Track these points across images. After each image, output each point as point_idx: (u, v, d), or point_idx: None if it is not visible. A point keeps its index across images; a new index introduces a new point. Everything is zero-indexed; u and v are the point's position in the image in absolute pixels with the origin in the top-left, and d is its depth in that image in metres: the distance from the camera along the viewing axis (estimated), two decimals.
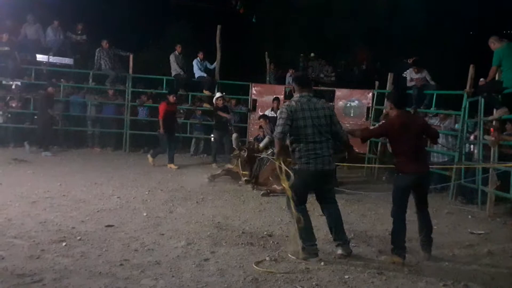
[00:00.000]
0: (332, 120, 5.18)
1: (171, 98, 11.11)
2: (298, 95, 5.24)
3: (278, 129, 5.08)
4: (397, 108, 5.27)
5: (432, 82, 10.42)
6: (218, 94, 12.07)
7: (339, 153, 7.51)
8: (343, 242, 5.19)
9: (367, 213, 7.46)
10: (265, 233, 5.98)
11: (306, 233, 5.10)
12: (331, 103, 12.79)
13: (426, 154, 6.05)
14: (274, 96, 12.50)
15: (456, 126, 9.50)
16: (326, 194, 5.31)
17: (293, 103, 5.15)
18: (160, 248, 5.23)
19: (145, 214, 6.64)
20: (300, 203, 5.16)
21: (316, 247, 5.14)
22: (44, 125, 11.75)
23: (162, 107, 11.07)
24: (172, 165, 10.81)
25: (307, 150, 5.05)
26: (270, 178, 8.68)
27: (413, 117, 5.93)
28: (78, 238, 5.42)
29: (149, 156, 11.11)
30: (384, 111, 11.65)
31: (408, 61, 11.19)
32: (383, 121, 6.43)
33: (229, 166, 9.78)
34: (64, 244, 5.18)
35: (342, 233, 5.23)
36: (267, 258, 4.99)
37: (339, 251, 5.17)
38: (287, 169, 5.15)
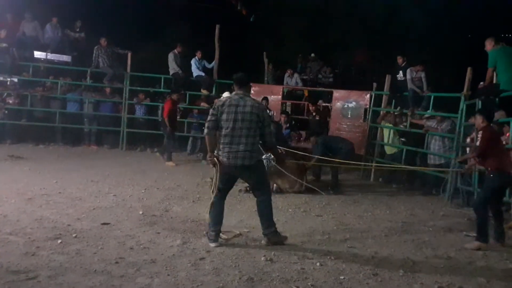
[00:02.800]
0: (260, 120, 5.36)
1: (175, 97, 11.48)
2: (234, 92, 5.57)
3: (206, 124, 5.44)
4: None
5: (424, 84, 10.41)
6: (226, 94, 11.87)
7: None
8: (270, 233, 5.50)
9: (364, 215, 7.47)
10: (260, 233, 5.96)
11: (214, 219, 5.45)
12: (328, 104, 12.85)
13: None
14: (263, 96, 12.29)
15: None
16: (254, 186, 5.65)
17: (224, 98, 5.53)
18: (155, 247, 5.22)
19: (141, 212, 6.64)
20: (220, 194, 5.53)
21: (217, 234, 5.44)
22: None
23: (167, 105, 11.35)
24: (172, 162, 11.07)
25: (226, 144, 5.34)
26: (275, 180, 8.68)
27: None
28: (74, 235, 5.42)
29: (166, 163, 11.13)
30: (381, 112, 11.72)
31: (398, 60, 11.22)
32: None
33: None
34: (59, 241, 5.17)
35: (267, 223, 5.53)
36: (263, 258, 5.00)
37: (263, 241, 5.52)
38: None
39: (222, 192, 5.57)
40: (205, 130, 5.45)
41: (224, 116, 5.32)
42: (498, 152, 6.11)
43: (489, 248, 5.88)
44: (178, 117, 13.21)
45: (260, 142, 5.61)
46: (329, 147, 9.34)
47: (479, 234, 5.98)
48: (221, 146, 5.40)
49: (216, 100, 5.63)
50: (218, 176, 5.44)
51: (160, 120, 12.53)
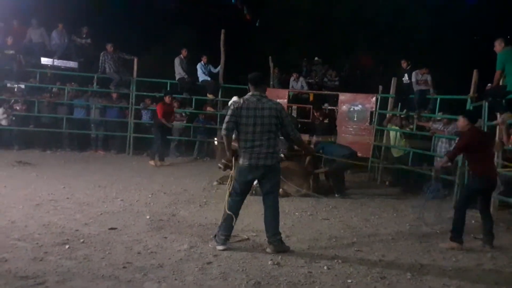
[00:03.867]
0: (279, 121, 5.42)
1: (167, 99, 11.65)
2: (250, 93, 5.53)
3: (224, 125, 5.45)
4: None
5: (431, 89, 10.39)
6: (234, 98, 11.77)
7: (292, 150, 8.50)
8: (273, 240, 5.42)
9: (370, 218, 7.45)
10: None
11: (226, 222, 5.45)
12: (334, 107, 12.84)
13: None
14: None
15: None
16: (265, 188, 5.55)
17: (241, 100, 5.48)
18: (163, 251, 5.23)
19: (148, 217, 6.65)
20: (236, 194, 5.53)
21: (227, 238, 5.46)
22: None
23: (159, 107, 11.63)
24: (155, 162, 11.38)
25: (248, 147, 5.37)
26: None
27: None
28: (81, 240, 5.44)
29: (150, 161, 11.45)
30: (387, 115, 11.70)
31: (402, 64, 11.22)
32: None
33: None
34: (67, 246, 5.19)
35: (274, 229, 5.47)
36: (270, 262, 4.99)
37: (269, 249, 5.41)
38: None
39: (241, 195, 5.57)
40: (224, 132, 5.46)
41: (243, 120, 5.35)
42: (483, 155, 6.09)
43: (465, 249, 5.88)
44: (184, 121, 13.28)
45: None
46: (327, 153, 9.31)
47: (453, 234, 6.00)
48: (242, 149, 5.43)
49: (232, 101, 5.54)
50: (237, 178, 5.50)
51: (152, 122, 12.66)
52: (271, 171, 5.49)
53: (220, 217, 6.41)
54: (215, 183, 9.39)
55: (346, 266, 5.06)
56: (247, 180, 5.52)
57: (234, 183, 5.55)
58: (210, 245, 5.50)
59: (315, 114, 11.13)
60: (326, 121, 10.94)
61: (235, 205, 5.53)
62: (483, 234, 6.21)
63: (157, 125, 11.70)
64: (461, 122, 6.25)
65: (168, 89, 13.48)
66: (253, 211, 7.38)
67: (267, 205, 5.56)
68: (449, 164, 6.63)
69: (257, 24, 19.75)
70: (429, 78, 10.42)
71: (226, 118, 5.44)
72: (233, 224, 5.48)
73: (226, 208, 5.49)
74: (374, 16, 18.84)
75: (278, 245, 5.43)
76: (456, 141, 6.58)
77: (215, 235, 5.53)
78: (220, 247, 5.39)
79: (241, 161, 5.45)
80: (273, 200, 5.56)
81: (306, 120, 13.39)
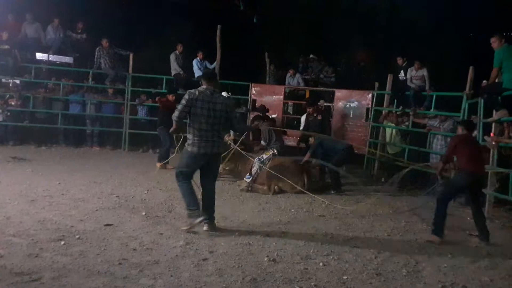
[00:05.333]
0: (228, 113, 6.07)
1: (170, 97, 10.99)
2: (204, 87, 6.09)
3: (176, 113, 5.97)
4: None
5: (427, 83, 10.40)
6: (224, 94, 11.78)
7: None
8: (210, 219, 6.00)
9: (366, 214, 7.46)
10: (263, 233, 5.97)
11: (190, 199, 5.94)
12: (330, 104, 12.83)
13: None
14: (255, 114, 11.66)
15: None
16: (209, 173, 6.11)
17: (196, 92, 5.97)
18: (158, 248, 5.23)
19: (144, 213, 6.64)
20: (186, 178, 6.00)
21: (198, 211, 5.90)
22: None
23: (162, 101, 11.14)
24: (162, 165, 10.42)
25: (202, 136, 5.90)
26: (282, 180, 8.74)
27: None
28: (77, 237, 5.42)
29: (158, 164, 10.46)
30: (383, 112, 11.72)
31: (398, 61, 11.23)
32: None
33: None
34: (62, 242, 5.18)
35: (212, 211, 6.07)
36: (266, 258, 5.00)
37: (205, 227, 5.94)
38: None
39: (188, 175, 6.03)
40: (176, 118, 5.99)
41: (198, 111, 5.88)
42: (470, 153, 6.25)
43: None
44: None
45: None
46: (325, 148, 9.33)
47: (434, 228, 6.14)
48: (196, 138, 5.92)
49: (188, 92, 6.03)
50: (186, 162, 6.02)
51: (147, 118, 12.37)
52: (216, 159, 6.21)
53: (217, 214, 6.47)
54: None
55: (342, 262, 5.07)
56: (196, 166, 6.06)
57: (182, 168, 6.02)
58: (184, 228, 5.87)
59: (308, 110, 10.99)
60: (319, 117, 10.79)
61: (187, 185, 6.02)
62: (478, 231, 6.26)
63: (162, 123, 10.69)
64: (459, 130, 6.63)
65: (164, 85, 13.44)
66: (248, 208, 7.40)
67: (208, 190, 6.12)
68: (446, 166, 6.81)
69: (254, 21, 19.69)
70: (425, 73, 10.43)
71: (180, 107, 5.94)
72: (197, 200, 5.99)
73: (182, 193, 6.04)
74: (370, 13, 18.83)
75: (213, 224, 6.03)
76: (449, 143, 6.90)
77: (188, 214, 5.98)
78: (199, 219, 5.84)
79: (191, 148, 5.94)
80: (213, 188, 6.20)
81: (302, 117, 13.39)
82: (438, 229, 6.10)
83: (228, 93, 11.81)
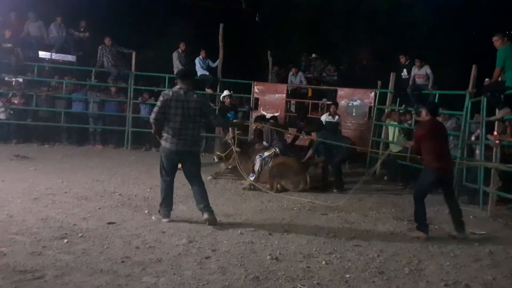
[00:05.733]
0: (203, 111, 6.27)
1: None
2: (177, 86, 6.29)
3: (152, 115, 6.20)
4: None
5: (431, 82, 10.35)
6: (225, 93, 11.77)
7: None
8: (209, 209, 6.20)
9: (369, 213, 7.46)
10: (266, 232, 5.98)
11: (165, 199, 6.29)
12: (332, 102, 12.82)
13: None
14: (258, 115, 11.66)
15: None
16: (191, 171, 6.33)
17: (170, 92, 6.19)
18: (161, 246, 5.24)
19: (146, 211, 6.65)
20: (167, 174, 6.30)
21: (169, 212, 6.29)
22: None
23: None
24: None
25: (175, 135, 6.10)
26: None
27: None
28: (80, 235, 5.43)
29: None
30: (386, 110, 11.70)
31: (401, 60, 11.21)
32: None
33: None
34: (65, 241, 5.19)
35: (206, 201, 6.25)
36: (268, 257, 5.00)
37: (205, 216, 6.15)
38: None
39: (170, 175, 6.33)
40: (152, 120, 6.21)
41: (172, 111, 6.08)
42: (435, 148, 6.21)
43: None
44: None
45: None
46: (328, 145, 9.31)
47: (418, 224, 6.25)
48: (170, 136, 6.12)
49: (162, 93, 6.27)
50: (164, 159, 6.27)
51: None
52: (193, 156, 6.34)
53: (220, 213, 6.49)
54: (209, 177, 9.40)
55: (345, 261, 5.07)
56: (173, 163, 6.29)
57: (162, 166, 6.30)
58: (153, 218, 6.24)
59: (333, 109, 11.14)
60: (336, 118, 10.76)
61: (167, 184, 6.31)
62: (454, 223, 6.33)
63: None
64: (423, 113, 6.51)
65: (167, 83, 13.43)
66: (251, 206, 7.41)
67: (195, 185, 6.33)
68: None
69: (257, 19, 19.68)
70: (428, 70, 10.38)
71: (156, 109, 6.16)
72: (172, 200, 6.35)
73: (161, 189, 6.36)
74: (373, 11, 18.80)
75: (211, 214, 6.17)
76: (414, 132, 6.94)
77: (159, 210, 6.30)
78: (165, 220, 6.19)
79: (164, 144, 6.18)
80: (200, 182, 6.36)
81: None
82: (421, 225, 6.20)
83: (230, 91, 11.83)
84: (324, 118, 11.31)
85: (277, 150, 9.28)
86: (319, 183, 9.27)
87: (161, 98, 6.15)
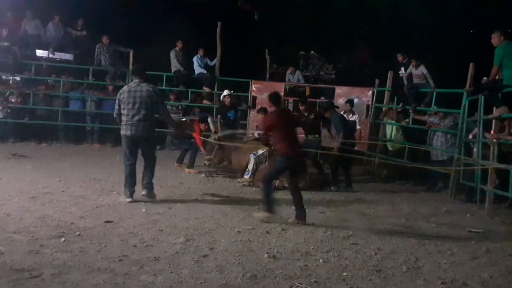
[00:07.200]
0: (155, 100, 7.00)
1: (203, 127, 10.48)
2: (132, 81, 7.21)
3: (115, 111, 7.15)
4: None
5: (430, 80, 10.34)
6: (226, 92, 11.57)
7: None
8: (148, 186, 7.15)
9: (366, 211, 7.47)
10: (263, 230, 5.98)
11: (127, 179, 7.07)
12: (330, 100, 12.83)
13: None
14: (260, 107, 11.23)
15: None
16: (145, 153, 7.19)
17: (125, 87, 7.16)
18: (159, 244, 5.23)
19: (144, 210, 6.64)
20: (128, 160, 7.08)
21: (130, 192, 7.02)
22: None
23: (197, 128, 10.47)
24: (191, 170, 10.09)
25: (128, 121, 6.93)
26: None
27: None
28: (77, 233, 5.42)
29: (187, 169, 10.14)
30: (383, 109, 11.71)
31: (398, 58, 11.21)
32: None
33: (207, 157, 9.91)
34: (63, 239, 5.18)
35: (149, 179, 7.18)
36: (266, 255, 5.00)
37: (143, 192, 7.11)
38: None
39: (130, 159, 7.09)
40: (115, 116, 7.19)
41: (125, 100, 6.94)
42: (285, 135, 6.58)
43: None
44: (180, 114, 13.07)
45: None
46: (346, 125, 9.29)
47: (264, 205, 6.49)
48: (124, 123, 6.97)
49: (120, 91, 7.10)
50: (123, 145, 7.11)
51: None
52: (145, 140, 7.05)
53: (217, 211, 6.50)
54: (203, 175, 9.41)
55: (342, 259, 5.07)
56: (132, 148, 7.05)
57: (124, 151, 7.09)
58: (121, 200, 6.85)
59: (300, 108, 10.33)
60: (312, 116, 10.17)
61: (129, 168, 7.06)
62: (295, 210, 6.52)
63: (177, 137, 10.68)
64: (268, 105, 7.13)
65: (165, 82, 13.42)
66: (249, 205, 7.40)
67: (146, 164, 7.21)
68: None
69: (255, 17, 19.67)
70: (423, 70, 10.37)
71: (116, 106, 7.11)
72: (134, 181, 7.08)
73: (124, 172, 7.08)
74: (371, 9, 18.80)
75: (150, 190, 7.14)
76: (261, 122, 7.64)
77: (124, 191, 7.04)
78: (127, 200, 6.93)
79: (123, 132, 7.00)
80: (151, 163, 7.23)
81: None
82: (267, 207, 6.44)
83: (230, 91, 11.67)
84: None
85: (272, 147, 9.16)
86: (319, 182, 9.24)
87: (117, 95, 7.11)
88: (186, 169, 10.10)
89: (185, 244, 5.27)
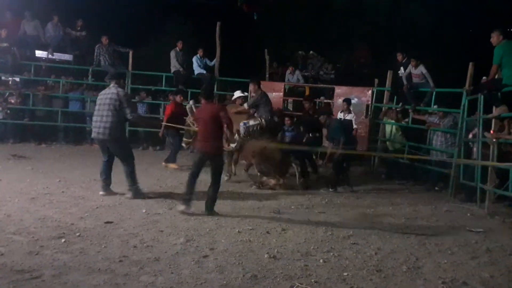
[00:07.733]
0: (120, 103, 7.12)
1: (178, 98, 10.75)
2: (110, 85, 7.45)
3: None
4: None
5: (429, 80, 10.33)
6: (238, 93, 10.68)
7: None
8: (132, 189, 7.29)
9: (366, 211, 7.47)
10: (264, 230, 5.98)
11: (103, 175, 7.44)
12: (330, 101, 12.84)
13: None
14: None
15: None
16: (116, 155, 7.37)
17: (101, 92, 7.50)
18: (159, 245, 5.23)
19: (144, 210, 6.64)
20: (103, 157, 7.43)
21: (107, 186, 7.40)
22: None
23: (169, 107, 10.63)
24: (173, 165, 10.31)
25: (93, 124, 7.30)
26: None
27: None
28: (77, 234, 5.43)
29: (167, 165, 10.29)
30: (383, 108, 11.71)
31: (398, 57, 11.21)
32: None
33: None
34: (63, 240, 5.18)
35: (130, 181, 7.32)
36: (266, 255, 5.00)
37: (128, 195, 7.28)
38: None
39: (104, 158, 7.42)
40: None
41: (96, 103, 7.35)
42: (201, 130, 6.88)
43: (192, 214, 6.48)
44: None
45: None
46: (345, 129, 9.21)
47: (184, 198, 6.70)
48: (92, 125, 7.36)
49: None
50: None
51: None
52: (110, 142, 7.20)
53: (217, 211, 6.49)
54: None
55: (342, 259, 5.07)
56: (102, 148, 7.37)
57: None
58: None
59: (304, 105, 10.43)
60: (315, 115, 10.18)
61: (104, 165, 7.43)
62: (207, 200, 6.70)
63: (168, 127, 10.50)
64: (200, 99, 7.41)
65: (164, 82, 13.41)
66: (249, 205, 7.40)
67: (123, 167, 7.38)
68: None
69: (255, 18, 19.66)
70: (423, 70, 10.37)
71: None
72: (106, 175, 7.40)
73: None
74: (371, 9, 18.81)
75: (135, 193, 7.27)
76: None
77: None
78: (101, 192, 7.33)
79: (92, 133, 7.49)
80: (125, 165, 7.34)
81: (301, 114, 13.36)
82: (186, 200, 6.63)
83: (243, 92, 11.19)
84: (338, 116, 11.24)
85: (263, 121, 9.09)
86: (308, 183, 9.16)
87: None
88: (169, 165, 10.28)
89: (185, 245, 5.27)
